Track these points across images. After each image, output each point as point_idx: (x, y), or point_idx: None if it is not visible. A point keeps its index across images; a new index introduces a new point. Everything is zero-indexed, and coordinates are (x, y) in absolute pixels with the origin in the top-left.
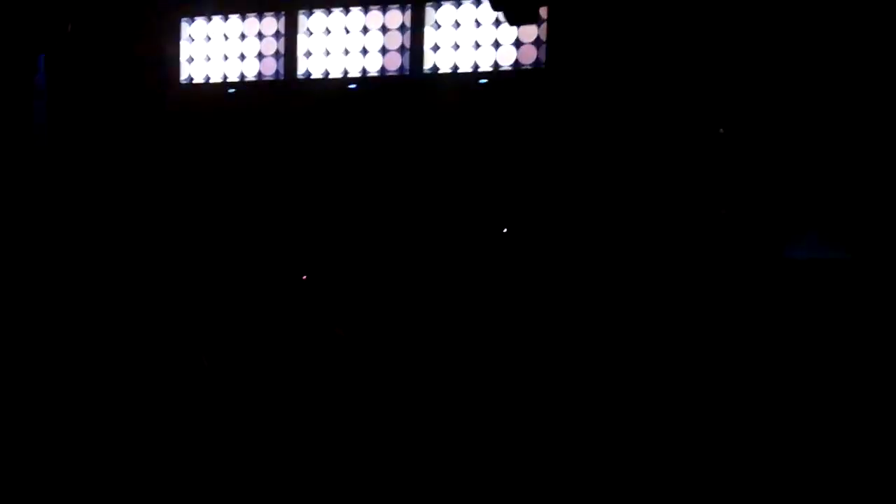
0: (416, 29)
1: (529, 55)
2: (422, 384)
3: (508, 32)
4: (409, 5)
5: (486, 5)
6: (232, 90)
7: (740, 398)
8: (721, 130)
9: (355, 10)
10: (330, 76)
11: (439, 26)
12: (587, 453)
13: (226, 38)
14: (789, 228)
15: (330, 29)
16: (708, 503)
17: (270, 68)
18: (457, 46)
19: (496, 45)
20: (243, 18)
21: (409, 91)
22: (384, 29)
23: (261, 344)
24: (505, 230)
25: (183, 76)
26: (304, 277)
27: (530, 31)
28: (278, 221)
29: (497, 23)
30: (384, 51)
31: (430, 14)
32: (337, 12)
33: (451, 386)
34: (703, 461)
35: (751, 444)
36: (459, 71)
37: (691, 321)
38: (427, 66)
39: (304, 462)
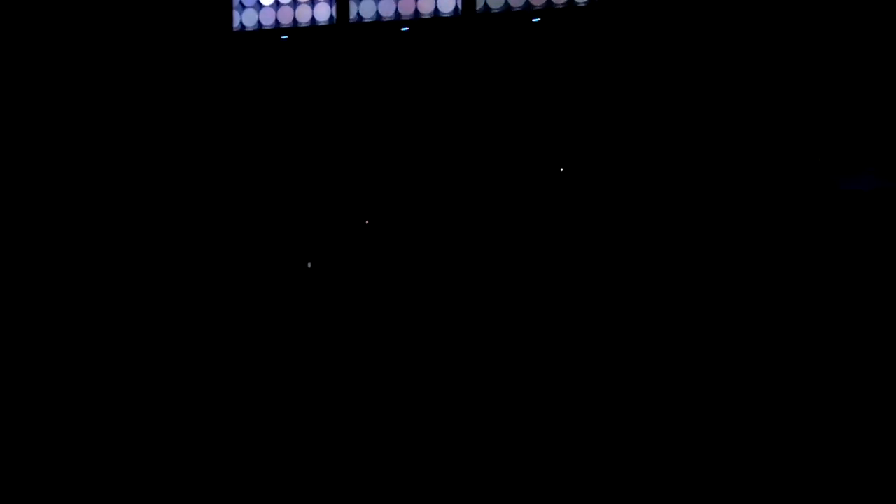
0: None
1: None
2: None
3: None
4: None
5: None
6: (285, 37)
7: (799, 329)
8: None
9: None
10: (383, 19)
11: None
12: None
13: None
14: (846, 160)
15: None
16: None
17: (324, 13)
18: None
19: None
20: None
21: (462, 31)
22: None
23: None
24: (561, 169)
25: (235, 23)
26: (367, 222)
27: None
28: (336, 166)
29: None
30: None
31: None
32: None
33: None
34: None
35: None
36: (512, 9)
37: (750, 253)
38: (479, 5)
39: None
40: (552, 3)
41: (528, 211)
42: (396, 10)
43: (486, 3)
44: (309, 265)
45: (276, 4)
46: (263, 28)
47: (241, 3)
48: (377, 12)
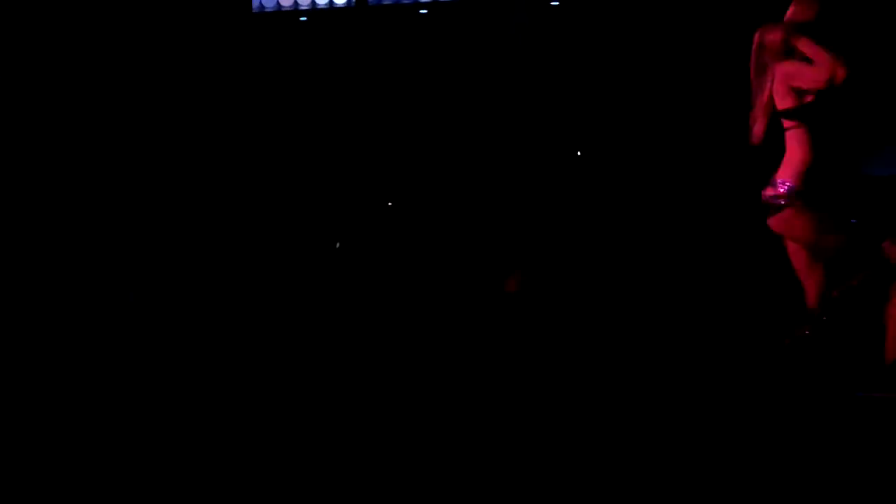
0: None
1: None
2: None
3: None
4: None
5: None
6: (304, 18)
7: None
8: None
9: None
10: (401, 1)
11: None
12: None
13: None
14: (868, 144)
15: None
16: None
17: None
18: None
19: None
20: None
21: (481, 13)
22: None
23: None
24: (579, 153)
25: (254, 4)
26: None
27: None
28: (355, 148)
29: None
30: None
31: None
32: None
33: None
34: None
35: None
36: None
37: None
38: None
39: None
40: None
41: (544, 192)
42: None
43: None
44: (337, 245)
45: None
46: (282, 9)
47: None
48: None
